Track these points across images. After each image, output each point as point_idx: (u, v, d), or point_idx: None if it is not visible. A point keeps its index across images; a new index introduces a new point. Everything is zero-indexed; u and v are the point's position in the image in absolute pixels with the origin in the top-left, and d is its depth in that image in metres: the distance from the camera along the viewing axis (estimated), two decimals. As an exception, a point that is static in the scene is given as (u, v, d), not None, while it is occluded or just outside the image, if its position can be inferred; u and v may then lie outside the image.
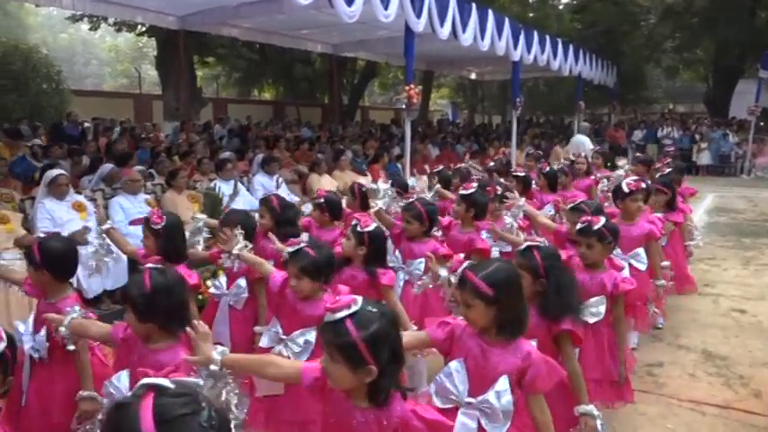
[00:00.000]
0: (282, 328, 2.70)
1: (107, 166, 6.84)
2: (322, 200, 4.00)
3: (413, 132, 9.24)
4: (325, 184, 7.65)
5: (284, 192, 7.51)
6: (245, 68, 22.62)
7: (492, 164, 7.04)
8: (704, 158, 16.86)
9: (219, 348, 1.92)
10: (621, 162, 6.92)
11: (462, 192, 4.03)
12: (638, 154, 7.80)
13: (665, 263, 4.17)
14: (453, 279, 2.34)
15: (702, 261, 6.95)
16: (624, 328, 3.07)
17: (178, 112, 13.51)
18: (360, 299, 1.70)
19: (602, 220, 3.07)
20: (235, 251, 2.95)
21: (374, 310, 1.68)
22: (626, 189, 3.87)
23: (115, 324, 2.38)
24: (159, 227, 3.14)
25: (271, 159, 7.88)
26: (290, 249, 2.65)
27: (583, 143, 11.88)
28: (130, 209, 5.85)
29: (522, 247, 2.59)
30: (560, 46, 12.69)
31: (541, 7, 20.90)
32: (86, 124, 12.99)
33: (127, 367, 2.27)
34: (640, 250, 3.89)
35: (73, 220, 5.37)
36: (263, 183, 7.47)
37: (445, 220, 4.13)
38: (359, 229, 3.02)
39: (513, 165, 6.71)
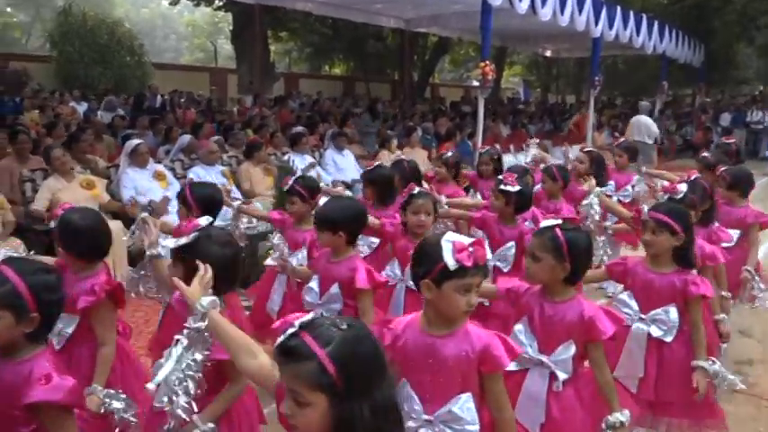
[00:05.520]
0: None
1: (185, 138, 7.06)
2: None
3: (484, 111, 9.00)
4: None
5: (355, 167, 7.54)
6: (317, 43, 22.74)
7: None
8: (799, 146, 15.65)
9: (210, 299, 1.67)
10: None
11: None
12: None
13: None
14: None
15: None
16: None
17: (252, 86, 13.77)
18: None
19: None
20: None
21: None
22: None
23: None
24: None
25: (340, 134, 7.90)
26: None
27: (647, 125, 10.77)
28: (207, 178, 6.02)
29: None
30: (644, 22, 12.03)
31: (625, -19, 19.85)
32: (165, 96, 13.49)
33: None
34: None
35: (153, 189, 5.59)
36: (335, 158, 7.51)
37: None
38: None
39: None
